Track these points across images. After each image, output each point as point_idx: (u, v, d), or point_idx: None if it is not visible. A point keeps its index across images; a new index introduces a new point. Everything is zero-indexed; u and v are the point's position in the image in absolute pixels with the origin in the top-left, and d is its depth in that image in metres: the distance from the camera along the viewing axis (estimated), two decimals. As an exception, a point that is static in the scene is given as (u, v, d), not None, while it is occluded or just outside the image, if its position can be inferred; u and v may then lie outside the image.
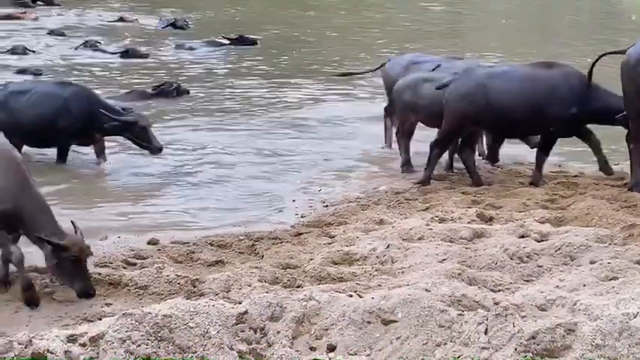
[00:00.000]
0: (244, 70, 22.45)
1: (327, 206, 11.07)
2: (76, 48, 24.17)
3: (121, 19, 30.51)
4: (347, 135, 15.42)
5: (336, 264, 8.39)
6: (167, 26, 28.86)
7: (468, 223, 9.57)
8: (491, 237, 8.92)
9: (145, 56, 23.31)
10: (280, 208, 11.15)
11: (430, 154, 11.93)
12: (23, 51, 22.97)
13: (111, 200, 11.27)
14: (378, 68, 14.88)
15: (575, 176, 12.31)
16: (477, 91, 11.52)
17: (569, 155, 13.47)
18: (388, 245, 8.67)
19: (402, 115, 12.80)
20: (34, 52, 23.26)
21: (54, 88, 12.88)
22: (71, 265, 7.44)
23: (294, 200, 11.42)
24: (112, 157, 13.20)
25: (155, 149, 12.62)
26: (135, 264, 8.51)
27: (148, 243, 9.16)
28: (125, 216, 10.61)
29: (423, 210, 10.53)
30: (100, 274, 8.01)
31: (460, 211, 10.10)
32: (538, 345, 5.34)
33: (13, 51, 22.92)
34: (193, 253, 8.88)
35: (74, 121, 12.47)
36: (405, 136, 12.75)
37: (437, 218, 9.85)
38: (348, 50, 25.30)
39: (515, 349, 5.31)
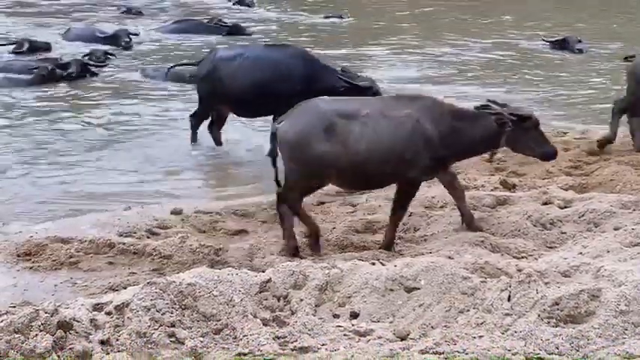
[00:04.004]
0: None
1: (349, 175, 11.03)
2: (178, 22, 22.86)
3: None
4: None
5: (358, 232, 8.41)
6: (235, 3, 28.03)
7: (491, 190, 9.54)
8: (515, 204, 8.89)
9: (248, 34, 22.24)
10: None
11: None
12: (126, 39, 20.20)
13: (135, 170, 11.33)
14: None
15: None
16: None
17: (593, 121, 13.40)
18: (411, 213, 8.66)
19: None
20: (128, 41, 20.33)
21: (269, 52, 11.93)
22: (534, 133, 7.99)
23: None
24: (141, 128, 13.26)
25: None
26: (159, 234, 8.56)
27: (172, 213, 9.19)
28: (148, 185, 10.68)
29: (446, 178, 10.48)
30: (124, 243, 8.08)
31: (483, 179, 10.06)
32: (561, 311, 5.34)
33: (114, 39, 20.13)
34: (216, 222, 8.92)
35: (295, 86, 11.30)
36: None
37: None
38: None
39: (539, 316, 5.31)
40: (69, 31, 21.04)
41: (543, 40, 21.20)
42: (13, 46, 18.94)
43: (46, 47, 19.22)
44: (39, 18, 24.03)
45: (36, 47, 18.92)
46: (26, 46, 18.75)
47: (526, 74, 18.08)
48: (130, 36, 20.39)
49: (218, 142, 12.01)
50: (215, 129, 12.00)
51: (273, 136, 7.82)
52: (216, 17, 23.41)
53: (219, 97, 11.56)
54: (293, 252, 7.81)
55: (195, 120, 12.10)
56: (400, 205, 8.05)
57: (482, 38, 22.15)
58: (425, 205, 9.02)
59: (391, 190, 9.76)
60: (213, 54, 11.96)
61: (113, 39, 20.08)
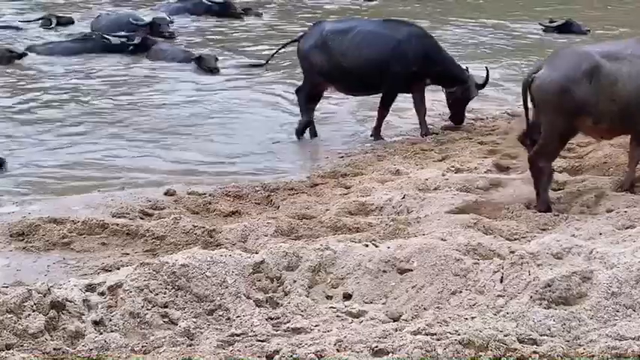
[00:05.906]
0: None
1: (342, 157, 11.05)
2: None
3: None
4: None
5: (352, 214, 8.42)
6: None
7: (485, 173, 9.55)
8: (508, 186, 8.90)
9: (238, 15, 21.70)
10: (296, 158, 11.14)
11: None
12: (169, 27, 19.10)
13: (128, 152, 11.31)
14: None
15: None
16: None
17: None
18: (404, 195, 8.67)
19: None
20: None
21: (383, 28, 11.43)
22: None
23: (309, 151, 11.40)
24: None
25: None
26: (152, 215, 8.56)
27: (165, 194, 9.19)
28: (141, 168, 10.66)
29: (439, 160, 10.51)
30: (117, 224, 8.07)
31: (476, 161, 10.07)
32: (553, 293, 5.35)
33: (154, 27, 18.78)
34: (210, 203, 8.92)
35: (409, 65, 11.13)
36: None
37: (453, 168, 9.83)
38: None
39: (531, 297, 5.32)
40: (99, 17, 19.94)
41: (540, 24, 21.03)
42: (40, 21, 19.37)
43: (71, 21, 19.70)
44: (53, 0, 23.72)
45: (62, 22, 19.32)
46: (54, 22, 19.07)
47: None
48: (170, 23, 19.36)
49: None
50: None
51: (526, 87, 7.59)
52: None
53: (325, 73, 11.13)
54: (546, 207, 7.88)
55: (302, 95, 11.64)
56: None
57: (500, 19, 22.17)
58: (419, 187, 9.03)
59: (384, 174, 9.83)
60: (321, 27, 11.44)
61: (152, 27, 18.77)
